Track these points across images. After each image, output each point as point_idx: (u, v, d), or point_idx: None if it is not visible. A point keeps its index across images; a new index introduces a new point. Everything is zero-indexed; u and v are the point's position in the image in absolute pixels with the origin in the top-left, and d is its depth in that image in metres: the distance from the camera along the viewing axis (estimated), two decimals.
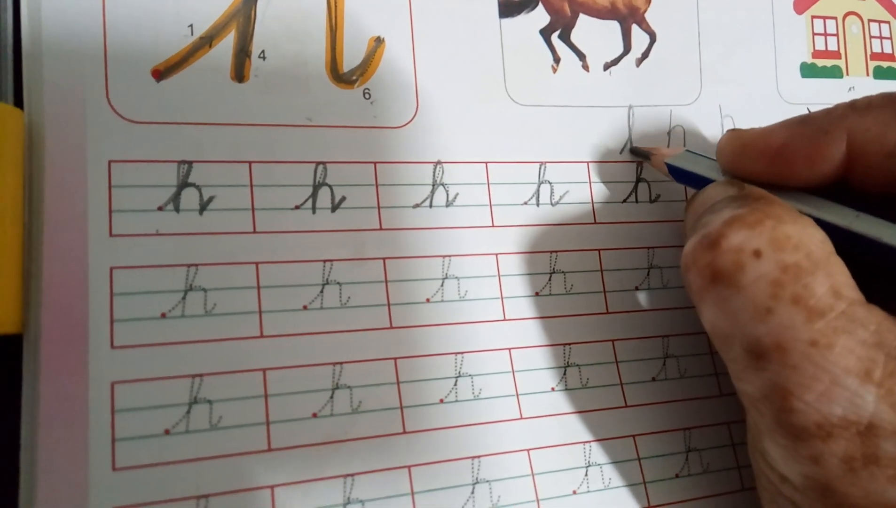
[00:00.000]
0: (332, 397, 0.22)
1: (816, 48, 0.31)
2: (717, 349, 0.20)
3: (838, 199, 0.21)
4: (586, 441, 0.25)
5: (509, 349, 0.25)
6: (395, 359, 0.23)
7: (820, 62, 0.31)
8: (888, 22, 0.33)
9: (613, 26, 0.28)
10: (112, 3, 0.22)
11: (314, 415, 0.22)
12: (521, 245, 0.26)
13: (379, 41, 0.25)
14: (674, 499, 0.25)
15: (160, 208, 0.22)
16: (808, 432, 0.17)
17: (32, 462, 0.19)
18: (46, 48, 0.21)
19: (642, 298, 0.27)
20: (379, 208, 0.24)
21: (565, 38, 0.27)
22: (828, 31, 0.31)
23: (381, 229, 0.24)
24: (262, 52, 0.23)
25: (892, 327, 0.18)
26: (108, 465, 0.20)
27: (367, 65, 0.25)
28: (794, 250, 0.18)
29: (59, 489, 0.19)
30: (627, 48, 0.28)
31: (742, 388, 0.19)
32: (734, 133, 0.23)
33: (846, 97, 0.31)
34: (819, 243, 0.18)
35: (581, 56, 0.28)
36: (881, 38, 0.32)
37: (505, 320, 0.25)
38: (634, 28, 0.28)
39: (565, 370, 0.25)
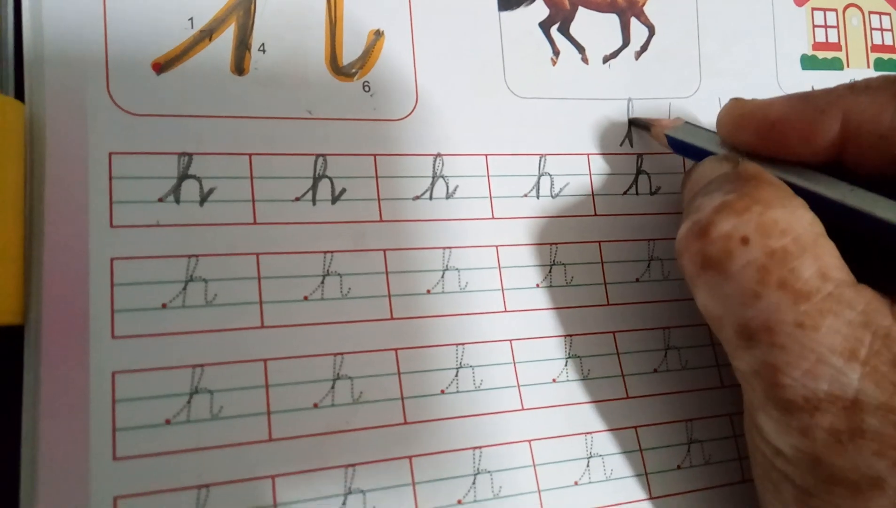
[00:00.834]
0: (333, 387, 0.22)
1: (817, 40, 0.31)
2: (712, 328, 0.21)
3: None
4: (588, 432, 0.25)
5: (510, 341, 0.25)
6: (396, 350, 0.23)
7: (820, 54, 0.31)
8: (889, 14, 0.33)
9: (612, 19, 0.28)
10: None
11: (315, 405, 0.22)
12: (521, 237, 0.26)
13: (378, 34, 0.25)
14: (675, 490, 0.25)
15: (161, 200, 0.22)
16: (797, 405, 0.18)
17: (33, 452, 0.19)
18: (47, 41, 0.21)
19: (643, 289, 0.27)
20: (379, 199, 0.24)
21: (564, 31, 0.28)
22: (828, 23, 0.31)
23: (381, 220, 0.24)
24: (262, 45, 0.23)
25: (880, 307, 0.18)
26: (109, 455, 0.20)
27: (367, 58, 0.25)
28: (780, 235, 0.18)
29: (60, 478, 0.19)
30: (626, 41, 0.28)
31: (736, 364, 0.20)
32: (735, 101, 0.23)
33: None
34: (807, 225, 0.19)
35: (580, 49, 0.28)
36: (882, 29, 0.32)
37: (506, 311, 0.25)
38: (633, 21, 0.28)
39: (566, 362, 0.25)
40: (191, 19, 0.23)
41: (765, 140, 0.22)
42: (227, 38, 0.23)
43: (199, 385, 0.21)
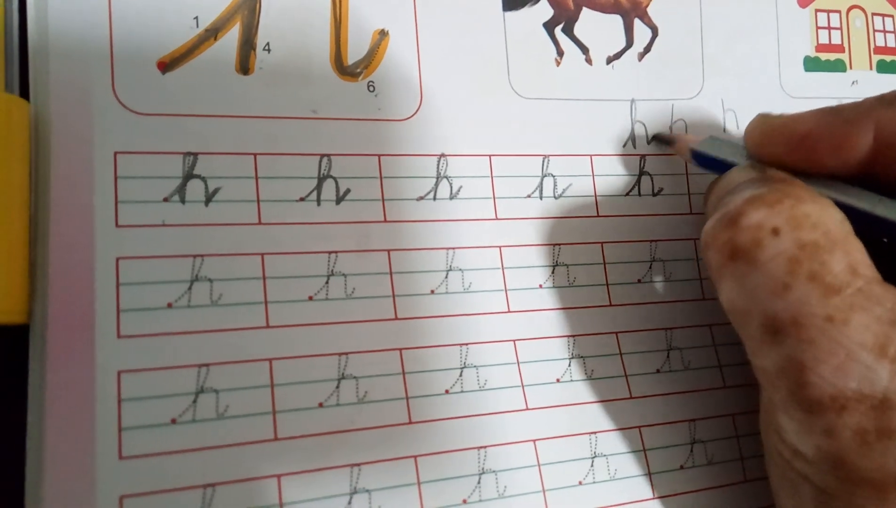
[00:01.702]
0: (338, 387, 0.22)
1: (820, 42, 0.31)
2: (735, 325, 0.20)
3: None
4: (592, 432, 0.25)
5: (514, 341, 0.25)
6: (401, 350, 0.23)
7: (823, 56, 0.31)
8: (892, 16, 0.33)
9: (616, 20, 0.28)
10: None
11: (320, 405, 0.22)
12: (524, 238, 0.26)
13: (383, 34, 0.25)
14: (678, 490, 0.25)
15: (166, 200, 0.22)
16: (823, 405, 0.18)
17: (39, 452, 0.19)
18: (52, 40, 0.21)
19: (645, 290, 0.27)
20: (383, 200, 0.24)
21: (568, 31, 0.28)
22: (831, 25, 0.32)
23: (385, 221, 0.24)
24: (267, 44, 0.23)
25: None
26: (115, 454, 0.20)
27: (372, 58, 0.25)
28: (812, 229, 0.18)
29: (65, 478, 0.19)
30: (630, 42, 0.28)
31: (758, 363, 0.20)
32: (763, 117, 0.23)
33: (849, 91, 0.31)
34: (838, 222, 0.19)
35: (584, 50, 0.28)
36: (885, 31, 0.33)
37: (509, 311, 0.25)
38: (637, 22, 0.28)
39: (570, 362, 0.25)
40: (196, 18, 0.23)
41: (794, 153, 0.22)
42: (231, 38, 0.23)
43: (205, 385, 0.21)
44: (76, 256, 0.21)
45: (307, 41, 0.24)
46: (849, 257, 0.18)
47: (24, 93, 0.21)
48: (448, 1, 0.26)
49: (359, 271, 0.23)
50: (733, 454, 0.27)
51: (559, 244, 0.26)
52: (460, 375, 0.24)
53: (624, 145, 0.28)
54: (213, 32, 0.23)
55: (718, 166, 0.24)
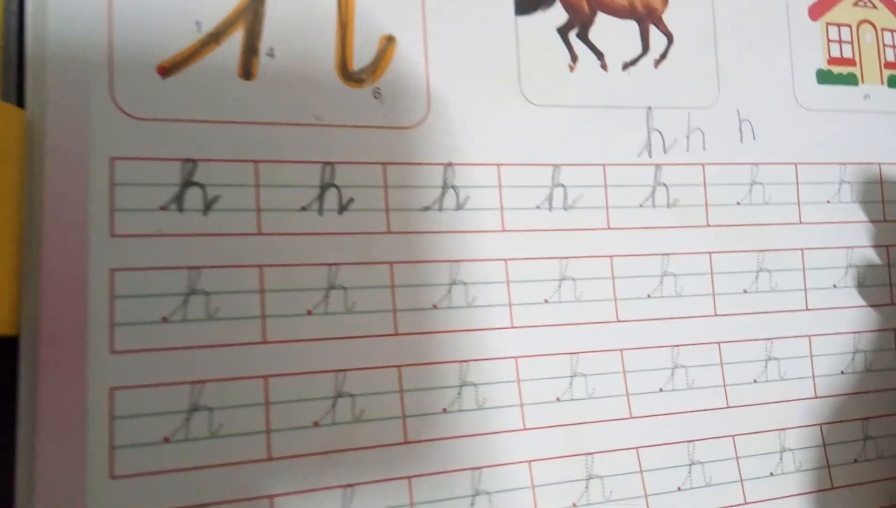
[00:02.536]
0: (334, 405, 0.22)
1: (832, 55, 0.30)
2: None
3: None
4: (588, 453, 0.25)
5: (515, 358, 0.24)
6: (399, 367, 0.23)
7: (836, 69, 0.30)
8: None
9: (632, 26, 0.27)
10: None
11: (315, 424, 0.22)
12: (531, 251, 0.25)
13: (390, 39, 0.24)
14: None
15: (163, 208, 0.21)
16: None
17: (30, 469, 0.19)
18: (51, 45, 0.21)
19: (654, 306, 0.26)
20: (387, 210, 0.24)
21: (583, 36, 0.27)
22: (842, 39, 0.31)
23: (389, 232, 0.23)
24: (271, 49, 0.23)
25: None
26: (106, 472, 0.20)
27: (378, 63, 0.24)
28: None
29: (56, 497, 0.19)
30: (646, 48, 0.27)
31: None
32: None
33: (862, 105, 0.30)
34: None
35: (599, 55, 0.27)
36: (894, 46, 0.31)
37: (512, 327, 0.24)
38: (652, 29, 0.27)
39: (571, 380, 0.25)
40: (197, 23, 0.22)
41: None
42: (234, 42, 0.22)
43: (199, 402, 0.21)
44: (69, 266, 0.20)
45: (312, 46, 0.23)
46: None
47: (20, 94, 0.21)
48: (458, 5, 0.25)
49: (360, 285, 0.23)
50: (733, 476, 0.26)
51: (567, 258, 0.25)
52: (459, 393, 0.23)
53: (639, 155, 0.27)
54: (215, 37, 0.22)
55: None
